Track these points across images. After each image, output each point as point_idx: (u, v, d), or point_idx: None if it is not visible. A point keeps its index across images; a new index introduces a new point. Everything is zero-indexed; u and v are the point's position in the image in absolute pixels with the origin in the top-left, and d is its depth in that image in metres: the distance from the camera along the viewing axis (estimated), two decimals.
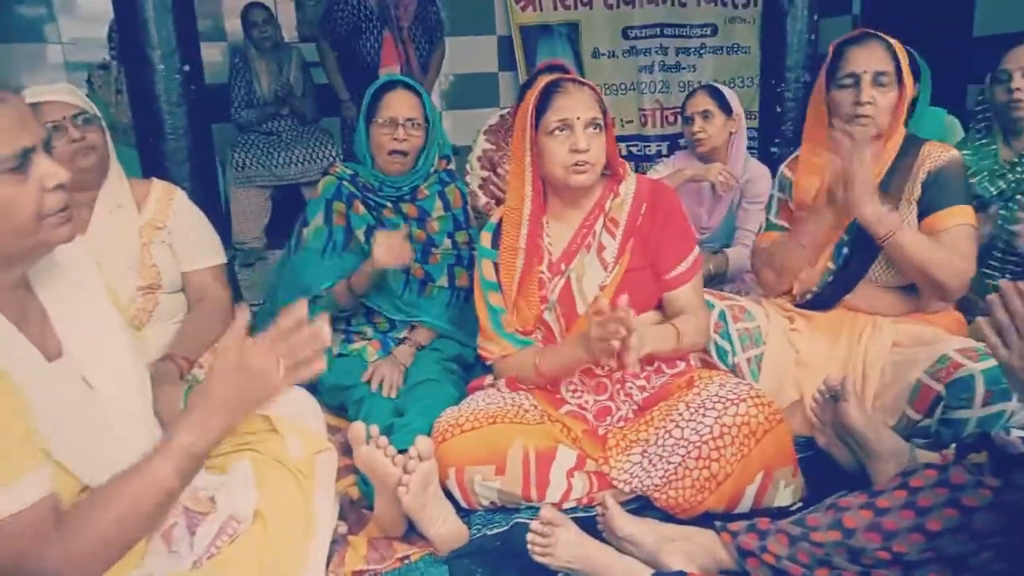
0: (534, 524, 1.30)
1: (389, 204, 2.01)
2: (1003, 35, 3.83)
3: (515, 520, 1.48)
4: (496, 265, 1.65)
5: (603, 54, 4.68)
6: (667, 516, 1.45)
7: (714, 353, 1.83)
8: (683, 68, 4.72)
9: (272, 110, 3.69)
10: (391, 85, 1.95)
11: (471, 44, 4.66)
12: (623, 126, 4.75)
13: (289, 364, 1.00)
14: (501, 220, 1.67)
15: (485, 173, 2.71)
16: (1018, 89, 2.06)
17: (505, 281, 1.62)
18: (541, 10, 4.60)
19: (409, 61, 3.44)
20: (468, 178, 2.75)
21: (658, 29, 4.66)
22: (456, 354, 1.98)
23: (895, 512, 1.22)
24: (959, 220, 1.69)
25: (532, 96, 1.57)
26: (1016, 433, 1.46)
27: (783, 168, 1.97)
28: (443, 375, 1.86)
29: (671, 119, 4.68)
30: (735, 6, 4.58)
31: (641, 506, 1.50)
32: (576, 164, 1.53)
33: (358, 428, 1.37)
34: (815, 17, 2.84)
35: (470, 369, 1.98)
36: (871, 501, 1.26)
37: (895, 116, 1.72)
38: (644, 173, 3.09)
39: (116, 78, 3.44)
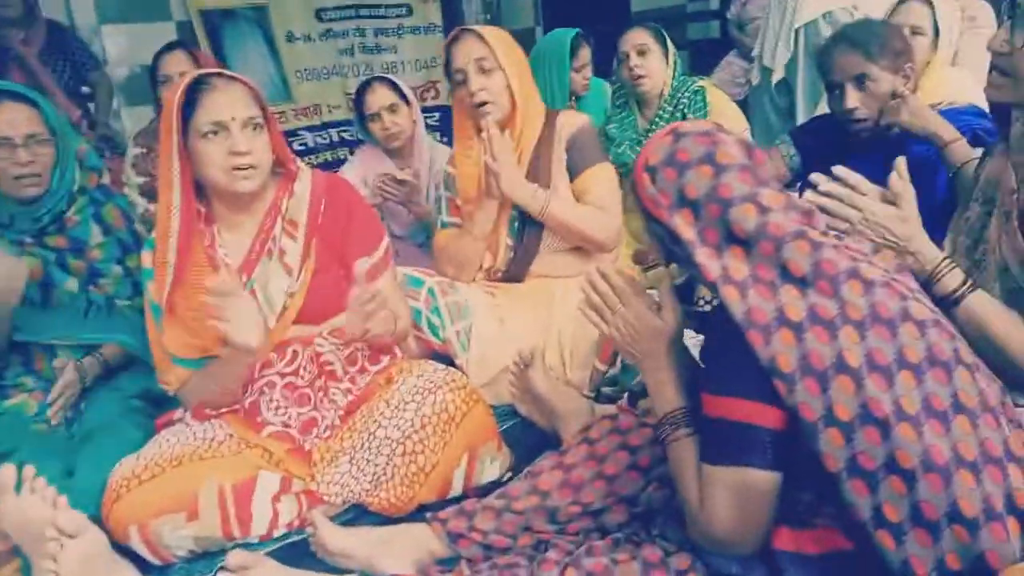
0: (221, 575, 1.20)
1: (29, 239, 1.69)
2: (655, 9, 4.38)
3: (218, 566, 1.35)
4: None
5: (298, 38, 4.45)
6: (384, 519, 1.42)
7: (427, 329, 1.85)
8: (384, 50, 4.68)
9: None
10: None
11: (146, 32, 4.16)
12: (331, 112, 4.60)
13: None
14: None
15: (143, 179, 2.46)
16: (636, 67, 2.37)
17: (158, 300, 1.46)
18: None
19: (46, 89, 3.03)
20: (127, 190, 2.46)
21: (353, 11, 4.55)
22: (143, 389, 1.76)
23: (580, 466, 1.32)
24: (599, 177, 1.88)
25: (175, 96, 1.40)
26: None
27: (446, 165, 2.03)
28: (124, 415, 1.63)
29: None
30: None
31: (357, 514, 1.46)
32: (237, 168, 1.41)
33: (4, 474, 1.17)
34: None
35: (162, 404, 1.77)
36: (560, 460, 1.35)
37: (516, 95, 1.83)
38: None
39: None
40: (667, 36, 2.47)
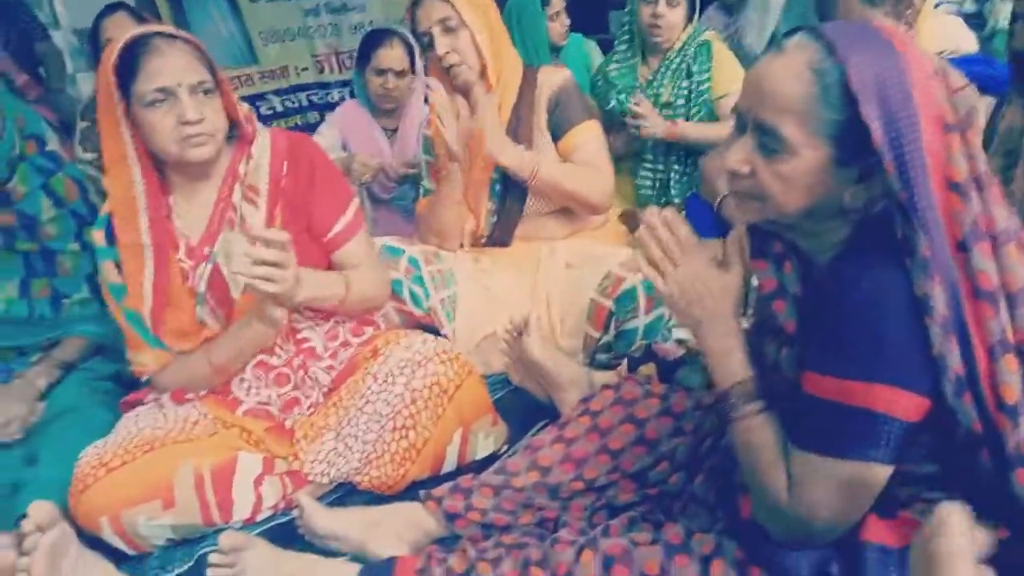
0: (213, 556, 1.12)
1: None
2: None
3: (200, 552, 1.26)
4: (119, 265, 1.35)
5: None
6: (375, 497, 1.35)
7: (408, 299, 1.76)
8: (351, 9, 4.47)
9: None
10: None
11: None
12: (299, 75, 4.40)
13: None
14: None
15: (92, 155, 2.30)
16: (661, 16, 2.21)
17: (136, 284, 1.33)
18: None
19: None
20: (80, 167, 2.31)
21: None
22: (114, 372, 1.64)
23: (582, 439, 1.25)
24: (586, 136, 1.77)
25: (110, 59, 1.26)
26: (674, 337, 1.59)
27: (424, 128, 1.92)
28: (91, 399, 1.52)
29: (348, 64, 4.44)
30: None
31: (346, 493, 1.38)
32: (189, 137, 1.28)
33: None
34: None
35: (135, 388, 1.65)
36: (561, 434, 1.27)
37: (484, 53, 1.71)
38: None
39: None
40: None
